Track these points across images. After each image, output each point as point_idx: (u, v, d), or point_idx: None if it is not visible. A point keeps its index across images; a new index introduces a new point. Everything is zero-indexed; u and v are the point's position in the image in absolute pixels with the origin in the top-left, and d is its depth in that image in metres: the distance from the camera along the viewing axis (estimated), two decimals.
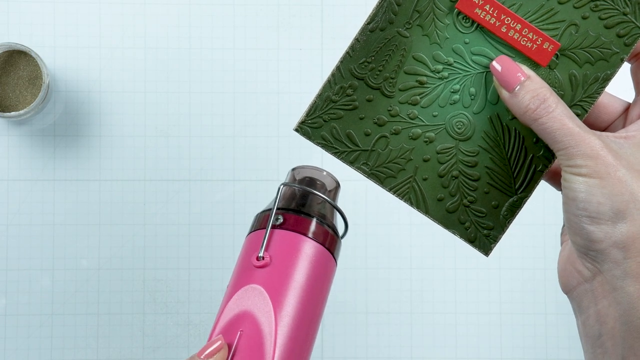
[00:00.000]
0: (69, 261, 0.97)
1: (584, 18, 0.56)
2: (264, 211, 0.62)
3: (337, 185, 0.65)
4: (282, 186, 0.63)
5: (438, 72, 0.57)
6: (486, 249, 0.59)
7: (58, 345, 0.96)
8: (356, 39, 0.57)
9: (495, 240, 0.59)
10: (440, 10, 0.57)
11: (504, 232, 0.58)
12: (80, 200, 0.97)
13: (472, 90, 0.57)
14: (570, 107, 0.57)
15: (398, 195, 0.58)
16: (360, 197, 0.98)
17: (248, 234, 0.61)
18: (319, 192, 0.63)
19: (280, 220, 0.60)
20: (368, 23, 0.57)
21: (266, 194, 0.98)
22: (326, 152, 0.58)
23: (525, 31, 0.56)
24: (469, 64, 0.57)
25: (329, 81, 0.57)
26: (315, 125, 0.58)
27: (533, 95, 0.54)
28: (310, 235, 0.60)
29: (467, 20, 0.57)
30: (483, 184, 0.58)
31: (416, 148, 0.58)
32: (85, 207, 0.97)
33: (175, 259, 0.97)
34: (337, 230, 0.63)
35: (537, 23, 0.56)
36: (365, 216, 0.98)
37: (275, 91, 0.99)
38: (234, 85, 0.98)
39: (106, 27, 0.98)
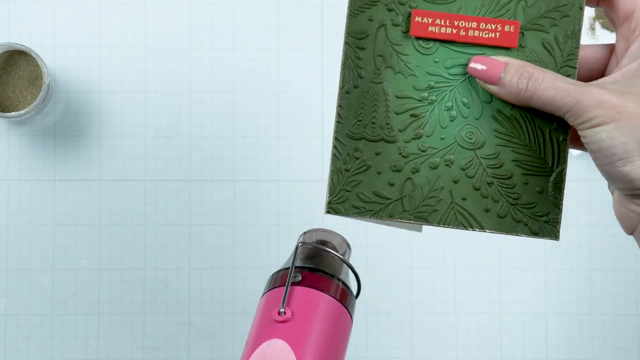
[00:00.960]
0: (69, 261, 0.97)
1: None
2: (280, 270, 0.65)
3: (348, 246, 0.68)
4: (300, 244, 0.65)
5: (425, 99, 0.58)
6: (553, 234, 0.59)
7: (58, 345, 0.96)
8: (339, 106, 0.58)
9: (556, 222, 0.58)
10: (398, 44, 0.58)
11: (561, 210, 0.58)
12: (80, 200, 0.97)
13: (464, 100, 0.58)
14: (558, 71, 0.57)
15: (449, 225, 0.58)
16: None
17: (265, 292, 0.63)
18: (334, 251, 0.65)
19: (299, 278, 0.62)
20: (342, 87, 0.58)
21: (266, 194, 0.98)
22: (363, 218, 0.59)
23: (483, 25, 0.57)
24: (449, 79, 0.58)
25: (334, 154, 0.58)
26: (342, 199, 0.58)
27: (518, 76, 0.55)
28: (328, 292, 0.62)
29: (427, 42, 0.58)
30: (518, 177, 0.58)
31: (442, 175, 0.58)
32: (85, 207, 0.97)
33: (175, 259, 0.97)
34: (350, 288, 0.65)
35: (489, 14, 0.58)
36: None
37: (275, 91, 0.99)
38: (234, 85, 0.98)
39: (106, 27, 0.98)
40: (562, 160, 0.58)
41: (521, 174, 0.58)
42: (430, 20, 0.57)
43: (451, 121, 0.58)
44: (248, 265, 0.97)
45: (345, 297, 0.63)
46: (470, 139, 0.58)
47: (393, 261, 0.98)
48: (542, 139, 0.58)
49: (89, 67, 0.98)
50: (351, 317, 0.64)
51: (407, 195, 0.58)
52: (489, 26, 0.57)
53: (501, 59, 0.56)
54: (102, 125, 0.98)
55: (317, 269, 0.64)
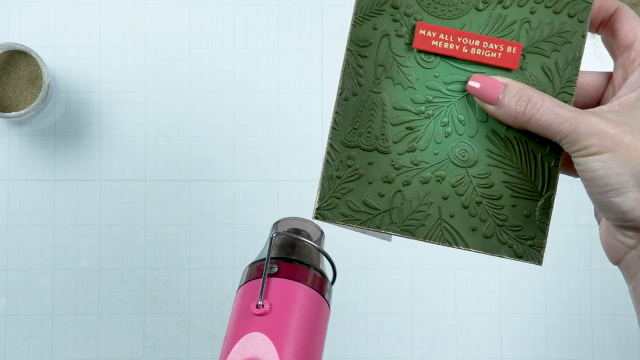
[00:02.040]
0: (69, 261, 0.97)
1: (532, 12, 0.58)
2: (255, 262, 0.64)
3: (322, 233, 0.67)
4: (274, 236, 0.64)
5: (422, 113, 0.58)
6: (537, 259, 0.59)
7: (58, 345, 0.96)
8: (336, 112, 0.58)
9: (541, 247, 0.59)
10: (400, 56, 0.58)
11: (546, 235, 0.59)
12: (80, 200, 0.97)
13: (460, 117, 0.58)
14: (556, 96, 0.58)
15: (434, 241, 0.59)
16: None
17: (242, 285, 0.63)
18: (308, 240, 0.65)
19: (275, 269, 0.62)
20: (340, 94, 0.58)
21: (266, 194, 0.98)
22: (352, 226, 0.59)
23: (485, 44, 0.57)
24: (447, 94, 0.58)
25: (327, 160, 0.58)
26: (331, 206, 0.59)
27: (517, 98, 0.55)
28: (305, 282, 0.62)
29: (428, 56, 0.58)
30: (507, 199, 0.58)
31: (432, 190, 0.58)
32: (85, 207, 0.97)
33: (175, 259, 0.97)
34: (326, 276, 0.65)
35: (492, 33, 0.58)
36: None
37: (275, 91, 0.99)
38: (234, 85, 0.98)
39: (106, 27, 0.98)
40: (551, 185, 0.58)
41: (510, 195, 0.58)
42: (434, 35, 0.57)
43: (446, 137, 0.58)
44: None
45: (322, 286, 0.63)
46: (463, 156, 0.58)
47: (393, 261, 0.98)
48: (533, 163, 0.58)
49: (89, 67, 0.98)
50: (329, 305, 0.63)
51: (395, 208, 0.58)
52: (491, 45, 0.57)
53: (501, 79, 0.56)
54: (102, 125, 0.98)
55: (293, 259, 0.63)
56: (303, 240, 0.65)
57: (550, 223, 0.59)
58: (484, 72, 0.58)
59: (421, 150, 0.58)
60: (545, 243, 0.59)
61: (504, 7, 0.58)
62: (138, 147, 0.98)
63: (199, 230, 0.97)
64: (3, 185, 0.97)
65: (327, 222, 0.59)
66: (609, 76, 0.59)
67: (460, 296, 0.98)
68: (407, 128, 0.58)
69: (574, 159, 0.54)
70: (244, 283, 0.63)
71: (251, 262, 0.65)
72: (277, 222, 0.68)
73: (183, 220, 0.97)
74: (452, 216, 0.58)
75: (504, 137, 0.58)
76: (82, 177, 0.97)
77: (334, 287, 0.67)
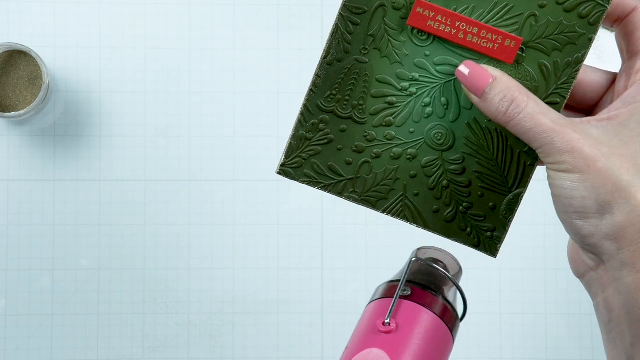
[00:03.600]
0: (69, 261, 0.97)
1: (541, 7, 0.55)
2: (391, 281, 0.65)
3: (460, 269, 0.69)
4: (413, 260, 0.66)
5: (405, 90, 0.57)
6: (492, 251, 0.59)
7: (58, 345, 0.96)
8: (316, 75, 0.57)
9: (499, 240, 0.58)
10: (393, 29, 0.56)
11: (507, 231, 0.58)
12: (80, 200, 0.97)
13: (444, 100, 0.57)
14: (547, 96, 0.56)
15: (393, 215, 0.58)
16: None
17: (372, 300, 0.64)
18: (445, 271, 0.66)
19: (408, 292, 0.63)
20: (325, 57, 0.57)
21: (266, 194, 0.98)
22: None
23: (484, 33, 0.55)
24: (435, 75, 0.57)
25: (299, 120, 0.58)
26: (296, 165, 0.58)
27: (501, 97, 0.53)
28: (433, 310, 0.62)
29: (422, 34, 0.56)
30: (475, 188, 0.58)
31: (400, 167, 0.58)
32: (85, 207, 0.97)
33: (175, 259, 0.97)
34: (456, 310, 0.66)
35: (494, 22, 0.56)
36: (365, 216, 0.98)
37: (275, 91, 0.99)
38: (234, 85, 0.98)
39: (106, 27, 0.98)
40: (523, 183, 0.58)
41: (479, 185, 0.58)
42: (431, 14, 0.55)
43: (425, 118, 0.57)
44: (248, 265, 0.97)
45: (450, 318, 0.64)
46: (438, 140, 0.57)
47: (393, 261, 0.98)
48: (509, 158, 0.57)
49: (89, 67, 0.98)
50: (453, 339, 0.64)
51: (360, 177, 0.58)
52: (489, 35, 0.55)
53: (492, 71, 0.54)
54: (102, 125, 0.98)
55: (426, 285, 0.64)
56: (441, 271, 0.66)
57: (513, 221, 0.58)
58: (478, 60, 0.56)
59: (397, 127, 0.57)
60: (504, 238, 0.58)
61: None
62: (138, 147, 0.98)
63: (199, 230, 0.97)
64: (3, 185, 0.97)
65: (290, 179, 0.58)
66: (613, 78, 0.56)
67: None
68: (386, 102, 0.57)
69: (547, 170, 0.53)
70: (376, 299, 0.64)
71: (386, 281, 0.66)
72: (419, 248, 0.69)
73: (183, 220, 0.97)
74: (416, 195, 0.58)
75: (484, 127, 0.57)
76: (82, 177, 0.97)
77: None
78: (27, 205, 0.97)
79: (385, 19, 0.56)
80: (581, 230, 0.52)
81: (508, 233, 0.59)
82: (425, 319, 0.62)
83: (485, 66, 0.55)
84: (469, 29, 0.56)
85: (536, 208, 0.98)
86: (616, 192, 0.50)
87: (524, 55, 0.56)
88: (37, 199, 0.97)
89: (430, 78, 0.57)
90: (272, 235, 0.98)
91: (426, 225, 0.58)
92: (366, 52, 0.57)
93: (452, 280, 0.66)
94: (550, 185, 0.53)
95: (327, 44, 0.57)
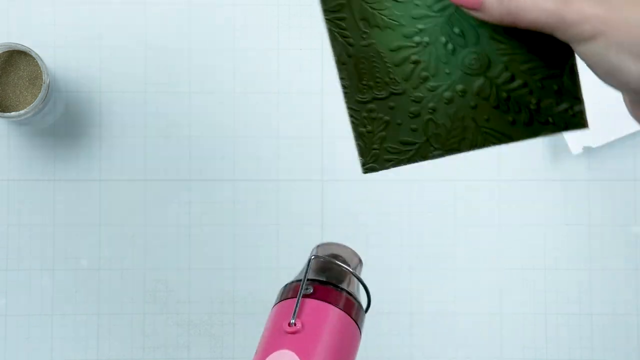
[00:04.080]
0: (69, 261, 0.97)
1: None
2: (292, 282, 0.66)
3: (360, 261, 0.69)
4: (313, 258, 0.66)
5: (419, 44, 0.58)
6: (583, 124, 0.58)
7: (58, 345, 0.96)
8: (341, 78, 0.58)
9: (581, 111, 0.58)
10: (373, 2, 0.57)
11: (582, 100, 0.57)
12: (80, 200, 0.97)
13: (457, 30, 0.57)
14: None
15: (480, 147, 0.59)
16: (360, 196, 0.98)
17: (277, 303, 0.65)
18: (346, 265, 0.67)
19: (311, 290, 0.64)
20: (337, 61, 0.58)
21: (266, 194, 0.98)
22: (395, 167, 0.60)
23: None
24: (436, 16, 0.57)
25: (352, 122, 0.59)
26: (374, 158, 0.59)
27: (499, 1, 0.53)
28: (338, 305, 0.63)
29: None
30: (533, 83, 0.58)
31: (459, 106, 0.58)
32: (85, 207, 0.97)
33: (175, 259, 0.97)
34: (360, 302, 0.67)
35: None
36: (365, 215, 0.98)
37: (275, 91, 0.99)
38: (233, 85, 0.98)
39: (106, 27, 0.98)
40: (569, 54, 0.57)
41: (535, 79, 0.58)
42: None
43: (452, 54, 0.58)
44: (248, 265, 0.97)
45: (355, 311, 0.65)
46: (474, 65, 0.58)
47: (393, 261, 0.98)
48: (545, 44, 0.57)
49: (89, 67, 0.98)
50: (360, 331, 0.65)
51: (432, 135, 0.59)
52: None
53: None
54: (102, 125, 0.98)
55: (328, 282, 0.65)
56: (340, 265, 0.67)
57: (582, 87, 0.57)
58: None
59: (433, 76, 0.58)
60: (584, 107, 0.58)
61: None
62: (138, 147, 0.98)
63: (199, 230, 0.97)
64: (3, 185, 0.97)
65: (379, 171, 0.59)
66: None
67: (460, 296, 0.98)
68: (412, 63, 0.58)
69: (578, 55, 0.53)
70: (279, 301, 0.64)
71: (289, 282, 0.66)
72: (318, 245, 0.69)
73: (183, 220, 0.97)
74: (487, 120, 0.58)
75: (506, 32, 0.57)
76: (82, 177, 0.97)
77: None
78: (27, 205, 0.97)
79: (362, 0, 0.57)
80: (629, 81, 0.51)
81: (584, 103, 0.58)
82: (330, 315, 0.62)
83: None
84: None
85: (536, 208, 0.98)
86: None
87: None
88: (37, 199, 0.97)
89: (434, 20, 0.57)
90: (272, 235, 0.98)
91: (513, 139, 0.59)
92: (366, 35, 0.58)
93: (352, 273, 0.67)
94: (583, 59, 0.52)
95: (331, 47, 0.58)
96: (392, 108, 0.58)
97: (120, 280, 0.97)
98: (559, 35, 0.52)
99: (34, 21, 0.98)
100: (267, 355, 0.59)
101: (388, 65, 0.58)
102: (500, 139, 0.59)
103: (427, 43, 0.58)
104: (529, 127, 0.58)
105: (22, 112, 0.91)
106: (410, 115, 0.59)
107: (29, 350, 0.96)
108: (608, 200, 0.98)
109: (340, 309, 0.63)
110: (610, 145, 0.98)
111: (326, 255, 0.68)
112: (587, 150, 0.98)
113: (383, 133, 0.59)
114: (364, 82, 0.58)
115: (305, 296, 0.63)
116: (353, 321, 0.64)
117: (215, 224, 0.98)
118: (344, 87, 0.58)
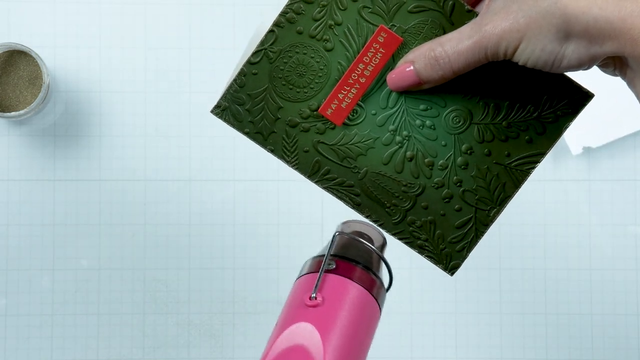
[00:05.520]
0: (69, 261, 0.97)
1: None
2: (316, 257, 0.66)
3: (385, 241, 0.69)
4: (337, 234, 0.67)
5: (402, 140, 0.58)
6: (587, 96, 0.58)
7: (58, 345, 0.96)
8: (374, 220, 0.60)
9: (579, 88, 0.58)
10: (341, 137, 0.58)
11: (569, 77, 0.58)
12: (80, 200, 0.97)
13: (421, 107, 0.58)
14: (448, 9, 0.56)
15: (524, 180, 0.59)
16: None
17: (300, 276, 0.65)
18: (370, 244, 0.67)
19: (333, 265, 0.64)
20: (353, 204, 0.59)
21: (266, 194, 0.98)
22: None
23: (366, 58, 0.57)
24: (396, 110, 0.58)
25: (407, 243, 0.61)
26: (449, 257, 0.61)
27: (430, 67, 0.55)
28: (360, 282, 0.63)
29: (353, 114, 0.58)
30: (519, 98, 0.58)
31: (476, 162, 0.59)
32: (85, 207, 0.97)
33: (175, 259, 0.97)
34: (382, 281, 0.67)
35: (357, 41, 0.57)
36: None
37: None
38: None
39: (106, 27, 0.98)
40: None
41: (518, 95, 0.58)
42: (335, 101, 0.57)
43: (434, 129, 0.58)
44: (248, 265, 0.97)
45: (376, 289, 0.65)
46: (459, 122, 0.58)
47: (393, 261, 0.98)
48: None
49: (89, 67, 0.98)
50: (380, 309, 0.65)
51: (477, 202, 0.59)
52: (369, 53, 0.57)
53: (404, 58, 0.56)
54: (102, 125, 0.98)
55: (352, 259, 0.65)
56: (364, 243, 0.67)
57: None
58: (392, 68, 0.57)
59: (435, 157, 0.58)
60: (578, 83, 0.58)
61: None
62: (138, 147, 0.98)
63: (199, 230, 0.97)
64: (3, 185, 0.97)
65: (461, 265, 0.61)
66: None
67: (460, 296, 0.98)
68: (409, 160, 0.58)
69: (513, 61, 0.54)
70: (302, 275, 0.65)
71: (312, 256, 0.67)
72: (343, 222, 0.70)
73: (183, 220, 0.97)
74: (508, 155, 0.59)
75: (458, 79, 0.57)
76: (82, 177, 0.97)
77: None
78: (27, 205, 0.97)
79: (319, 149, 0.58)
80: (574, 60, 0.53)
81: (575, 79, 0.58)
82: (351, 291, 0.62)
83: (398, 65, 0.57)
84: (358, 71, 0.57)
85: (537, 208, 0.98)
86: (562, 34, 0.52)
87: (400, 20, 0.57)
88: (37, 199, 0.97)
89: (396, 114, 0.58)
90: (272, 235, 0.98)
91: (543, 151, 0.59)
92: (356, 167, 0.58)
93: (376, 252, 0.67)
94: (527, 65, 0.54)
95: (339, 200, 0.59)
96: (426, 207, 0.59)
97: (120, 280, 0.97)
98: (497, 59, 0.54)
99: (34, 21, 0.98)
100: (286, 327, 0.60)
101: (393, 177, 0.59)
102: (535, 160, 0.59)
103: (408, 135, 0.58)
104: (547, 133, 0.59)
105: (22, 112, 0.91)
106: (446, 200, 0.59)
107: (29, 350, 0.96)
108: (608, 200, 0.98)
109: (362, 285, 0.63)
110: (610, 145, 0.98)
111: (351, 233, 0.68)
112: (587, 150, 0.98)
113: (438, 231, 0.60)
114: (388, 206, 0.59)
115: (328, 271, 0.63)
116: (374, 298, 0.64)
117: (215, 224, 0.98)
118: (376, 222, 0.60)
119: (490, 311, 0.98)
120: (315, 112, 0.58)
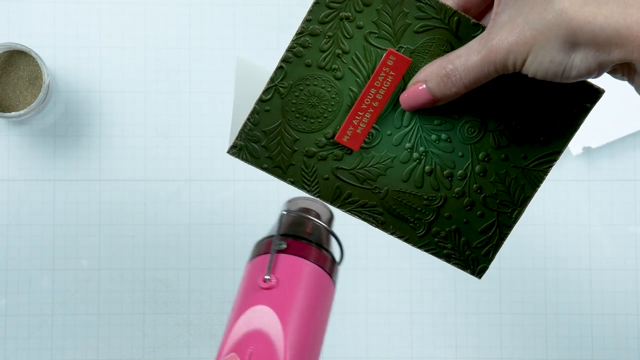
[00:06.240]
0: (69, 261, 0.97)
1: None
2: (265, 238, 0.65)
3: (331, 215, 0.69)
4: (284, 213, 0.66)
5: (420, 157, 0.59)
6: (596, 90, 0.58)
7: (58, 345, 0.96)
8: (399, 237, 0.60)
9: (584, 83, 0.58)
10: (358, 161, 0.58)
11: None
12: (80, 200, 0.97)
13: (436, 122, 0.58)
14: (453, 25, 0.57)
15: (543, 179, 0.59)
16: None
17: (250, 260, 0.64)
18: (318, 219, 0.66)
19: (284, 245, 0.63)
20: (377, 224, 0.60)
21: (266, 194, 0.98)
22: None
23: (377, 82, 0.57)
24: (411, 128, 0.58)
25: (434, 254, 0.61)
26: (475, 262, 0.61)
27: (443, 85, 0.55)
28: (311, 260, 0.63)
29: (368, 140, 0.58)
30: (528, 101, 0.58)
31: (494, 169, 0.59)
32: (85, 207, 0.97)
33: (175, 259, 0.97)
34: (334, 256, 0.66)
35: (367, 66, 0.57)
36: None
37: None
38: (234, 85, 0.98)
39: (106, 27, 0.98)
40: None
41: (527, 98, 0.58)
42: (351, 128, 0.57)
43: (449, 142, 0.59)
44: None
45: (329, 265, 0.64)
46: (473, 132, 0.59)
47: (393, 261, 0.98)
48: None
49: (89, 67, 0.98)
50: (334, 285, 0.65)
51: (497, 206, 0.59)
52: (380, 77, 0.57)
53: (415, 78, 0.56)
54: (102, 125, 0.98)
55: (301, 236, 0.65)
56: (312, 220, 0.66)
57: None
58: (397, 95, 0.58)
59: (453, 168, 0.59)
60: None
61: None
62: (138, 147, 0.98)
63: (199, 230, 0.97)
64: (3, 185, 0.97)
65: (488, 268, 0.61)
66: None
67: (460, 296, 0.98)
68: (427, 175, 0.59)
69: (522, 72, 0.54)
70: (253, 258, 0.64)
71: (261, 238, 0.66)
72: (288, 200, 0.69)
73: (183, 220, 0.97)
74: (525, 157, 0.59)
75: (470, 92, 0.58)
76: (82, 177, 0.97)
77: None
78: (27, 205, 0.97)
79: (338, 175, 0.59)
80: (583, 70, 0.53)
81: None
82: (304, 269, 0.62)
83: (409, 86, 0.57)
84: (371, 95, 0.57)
85: (537, 208, 0.98)
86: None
87: (407, 41, 0.57)
88: (37, 199, 0.97)
89: (412, 132, 0.58)
90: None
91: (560, 149, 0.59)
92: (377, 188, 0.59)
93: (324, 227, 0.67)
94: (537, 77, 0.54)
95: (365, 222, 0.60)
96: (449, 217, 0.59)
97: (120, 280, 0.97)
98: (506, 72, 0.54)
99: (34, 21, 0.98)
100: (242, 312, 0.59)
101: (414, 193, 0.59)
102: (552, 159, 0.59)
103: (425, 151, 0.58)
104: (561, 132, 0.59)
105: (22, 112, 0.91)
106: (467, 208, 0.59)
107: (29, 350, 0.96)
108: (608, 200, 0.98)
109: (314, 263, 0.63)
110: (610, 145, 0.98)
111: (297, 210, 0.67)
112: (587, 150, 0.98)
113: (463, 239, 0.60)
114: (412, 221, 0.59)
115: (279, 252, 0.63)
116: (327, 275, 0.64)
117: (215, 224, 0.98)
118: (401, 238, 0.60)
119: (490, 311, 0.98)
120: (331, 140, 0.58)
